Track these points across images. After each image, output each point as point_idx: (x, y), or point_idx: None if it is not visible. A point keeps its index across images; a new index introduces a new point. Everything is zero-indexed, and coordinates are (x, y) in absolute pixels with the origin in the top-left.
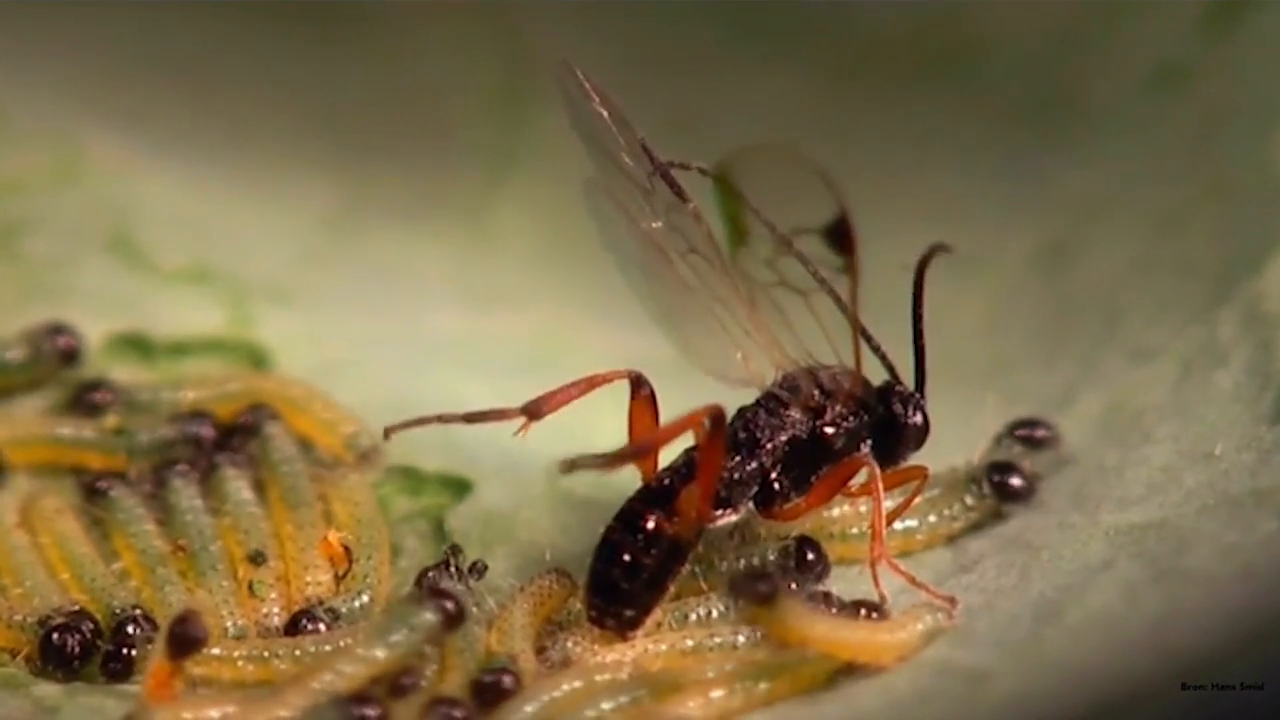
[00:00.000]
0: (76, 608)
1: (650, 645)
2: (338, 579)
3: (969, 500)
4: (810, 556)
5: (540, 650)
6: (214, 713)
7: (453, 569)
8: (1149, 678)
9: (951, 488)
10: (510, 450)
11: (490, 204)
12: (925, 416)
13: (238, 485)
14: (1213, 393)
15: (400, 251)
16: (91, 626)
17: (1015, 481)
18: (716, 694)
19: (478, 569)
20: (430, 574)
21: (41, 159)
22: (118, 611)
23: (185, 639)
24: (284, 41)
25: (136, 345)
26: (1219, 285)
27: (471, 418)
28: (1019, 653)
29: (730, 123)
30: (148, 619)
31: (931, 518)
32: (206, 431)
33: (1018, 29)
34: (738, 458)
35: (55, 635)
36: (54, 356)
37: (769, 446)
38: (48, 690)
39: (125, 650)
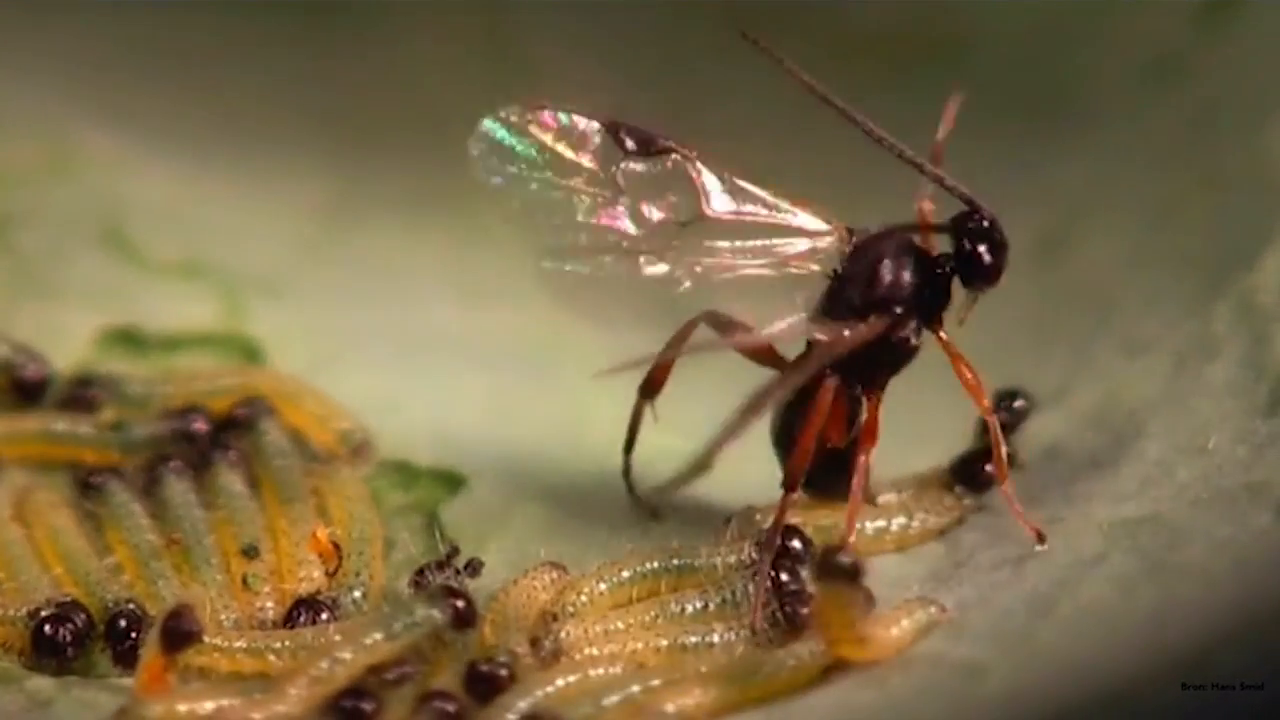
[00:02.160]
0: (69, 599)
1: (645, 640)
2: (328, 575)
3: (948, 501)
4: (795, 544)
5: (534, 643)
6: (208, 705)
7: (448, 566)
8: (1143, 671)
9: (931, 485)
10: (503, 444)
11: (484, 197)
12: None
13: (231, 479)
14: (1206, 386)
15: (394, 245)
16: (84, 618)
17: (987, 469)
18: (712, 689)
19: (473, 566)
20: (426, 571)
21: (34, 152)
22: (111, 605)
23: (178, 633)
24: (277, 35)
25: (129, 339)
26: (1213, 278)
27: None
28: (1013, 646)
29: (723, 116)
30: (141, 613)
31: (920, 515)
32: (200, 426)
33: (1011, 20)
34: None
35: (46, 626)
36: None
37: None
38: (41, 684)
39: (132, 634)
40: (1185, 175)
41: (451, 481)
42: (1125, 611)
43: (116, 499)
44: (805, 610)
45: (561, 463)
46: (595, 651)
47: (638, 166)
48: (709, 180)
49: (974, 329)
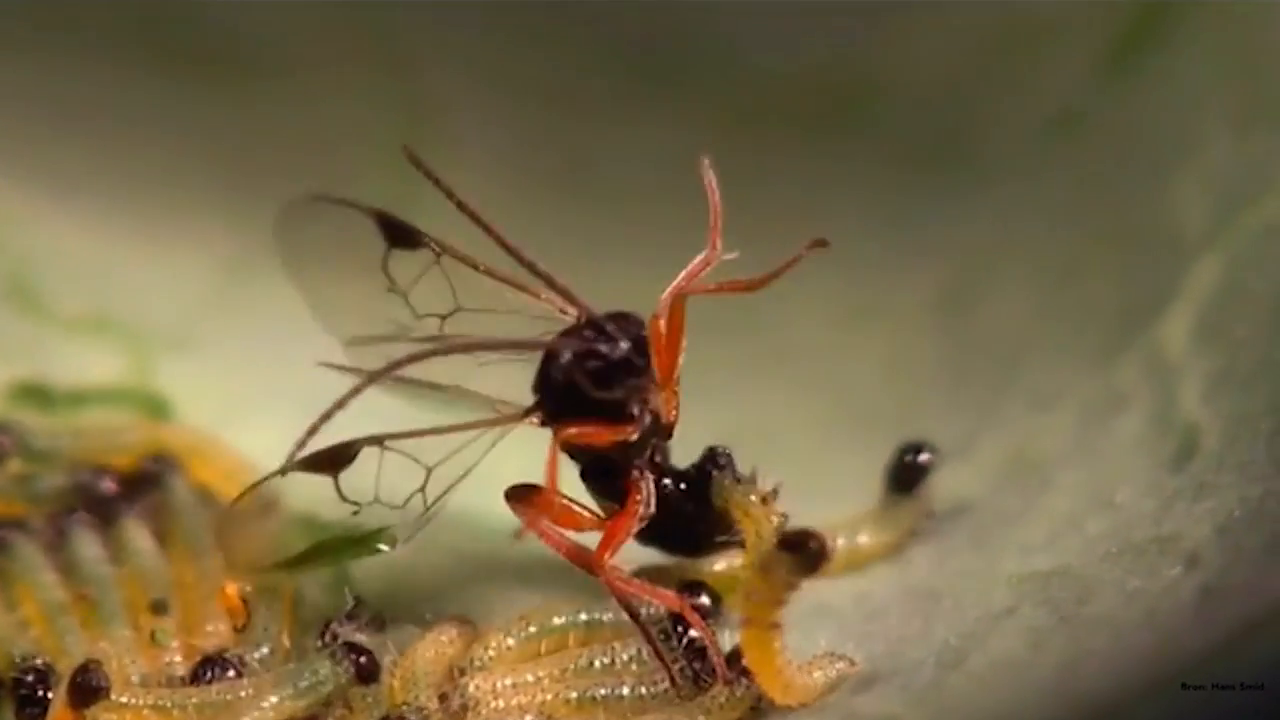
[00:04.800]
0: None
1: (555, 692)
2: (236, 630)
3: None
4: (703, 600)
5: (442, 698)
6: None
7: (354, 621)
8: None
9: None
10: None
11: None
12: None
13: (138, 535)
14: (1114, 440)
15: (299, 298)
16: None
17: (923, 458)
18: None
19: (378, 621)
20: (332, 626)
21: None
22: (19, 660)
23: (86, 688)
24: (182, 89)
25: (36, 394)
26: (1119, 332)
27: None
28: (923, 699)
29: (625, 169)
30: (49, 668)
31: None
32: (107, 486)
33: (913, 75)
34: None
35: None
36: None
37: None
38: None
39: (40, 693)
40: (1090, 229)
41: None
42: (1035, 663)
43: (24, 554)
44: (711, 666)
45: (469, 517)
46: (503, 705)
47: (404, 260)
48: (461, 271)
49: (881, 382)
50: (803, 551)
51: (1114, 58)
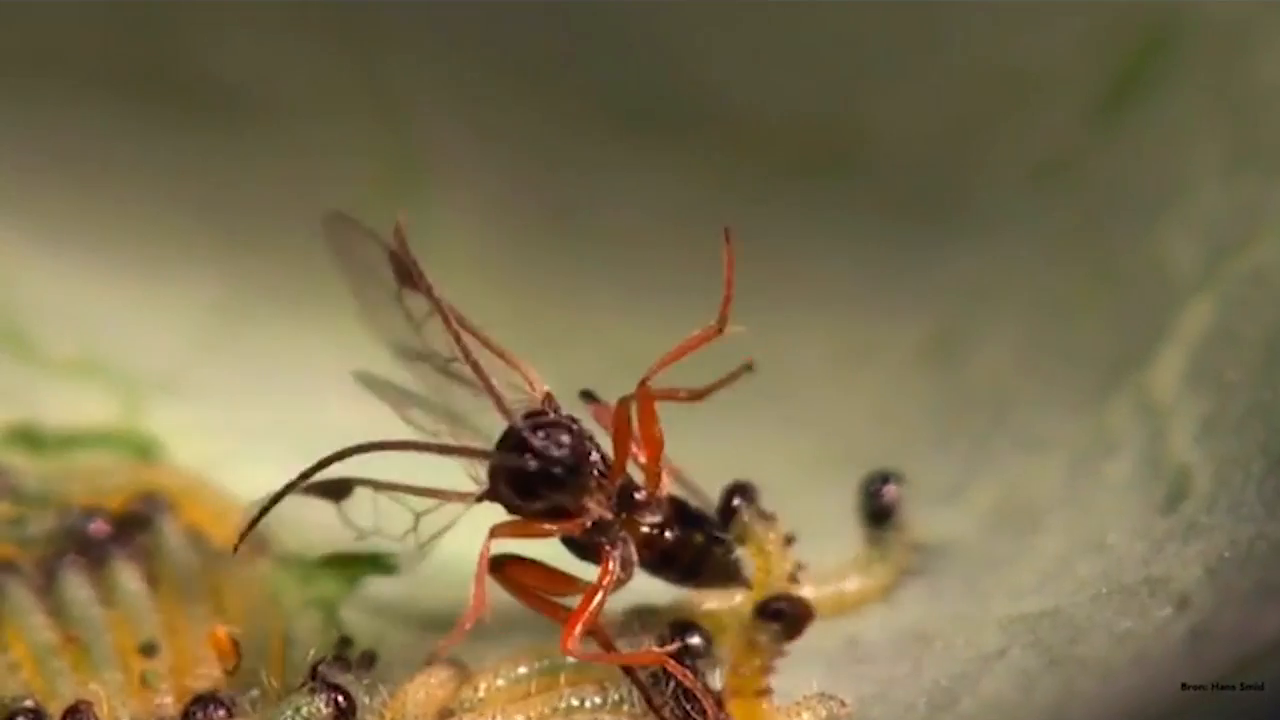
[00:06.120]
0: None
1: None
2: (227, 672)
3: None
4: (694, 640)
5: None
6: None
7: (343, 660)
8: None
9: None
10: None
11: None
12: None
13: (129, 577)
14: (1104, 482)
15: (289, 341)
16: None
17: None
18: None
19: (367, 660)
20: (321, 665)
21: None
22: (8, 703)
23: None
24: (170, 130)
25: (26, 436)
26: (1109, 374)
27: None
28: None
29: (617, 215)
30: (40, 710)
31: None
32: (98, 528)
33: (904, 123)
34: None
35: None
36: None
37: None
38: None
39: None
40: (1080, 273)
41: (350, 577)
42: (1026, 705)
43: (14, 597)
44: (702, 705)
45: (460, 561)
46: None
47: (413, 298)
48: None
49: (870, 425)
50: (785, 618)
51: (1103, 105)
